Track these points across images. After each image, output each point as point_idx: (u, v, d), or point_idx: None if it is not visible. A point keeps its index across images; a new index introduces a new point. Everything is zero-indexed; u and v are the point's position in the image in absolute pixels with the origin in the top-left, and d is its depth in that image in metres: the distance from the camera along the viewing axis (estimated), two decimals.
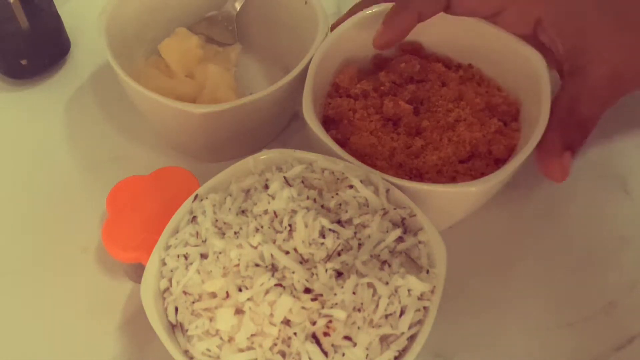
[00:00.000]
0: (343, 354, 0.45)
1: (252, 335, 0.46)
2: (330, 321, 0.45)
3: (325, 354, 0.45)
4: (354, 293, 0.46)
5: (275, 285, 0.46)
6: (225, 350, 0.46)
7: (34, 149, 0.67)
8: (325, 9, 0.63)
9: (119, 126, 0.68)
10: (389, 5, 0.61)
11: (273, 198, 0.50)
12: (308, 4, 0.64)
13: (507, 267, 0.60)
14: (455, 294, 0.52)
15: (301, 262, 0.47)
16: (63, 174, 0.65)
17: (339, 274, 0.47)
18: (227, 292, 0.47)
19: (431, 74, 0.63)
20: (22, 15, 0.66)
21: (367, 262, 0.48)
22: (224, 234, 0.49)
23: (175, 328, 0.49)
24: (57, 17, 0.70)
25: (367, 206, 0.51)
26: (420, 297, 0.48)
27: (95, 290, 0.58)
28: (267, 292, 0.46)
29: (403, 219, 0.51)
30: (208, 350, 0.46)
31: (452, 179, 0.57)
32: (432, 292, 0.48)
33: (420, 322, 0.47)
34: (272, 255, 0.47)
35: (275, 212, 0.49)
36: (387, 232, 0.49)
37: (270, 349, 0.45)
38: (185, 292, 0.48)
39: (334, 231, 0.48)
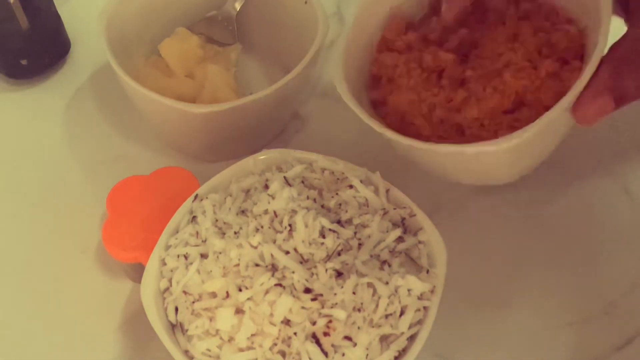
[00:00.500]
0: (343, 354, 0.45)
1: (252, 335, 0.46)
2: (330, 321, 0.45)
3: (325, 354, 0.45)
4: (354, 293, 0.46)
5: (275, 285, 0.46)
6: (225, 350, 0.46)
7: (34, 149, 0.67)
8: (325, 9, 0.63)
9: (119, 126, 0.68)
10: None
11: (273, 198, 0.50)
12: (308, 3, 0.64)
13: (507, 267, 0.60)
14: (455, 294, 0.52)
15: (301, 262, 0.47)
16: (63, 174, 0.65)
17: (339, 274, 0.47)
18: (227, 292, 0.47)
19: (490, 12, 0.56)
20: (22, 15, 0.66)
21: (367, 262, 0.48)
22: (224, 233, 0.49)
23: (175, 328, 0.49)
24: (57, 17, 0.70)
25: (367, 206, 0.51)
26: (420, 297, 0.48)
27: (95, 290, 0.58)
28: (267, 292, 0.46)
29: (403, 218, 0.51)
30: (208, 350, 0.47)
31: (495, 133, 0.51)
32: (432, 292, 0.48)
33: (420, 322, 0.47)
34: (272, 255, 0.47)
35: (275, 212, 0.49)
36: (387, 232, 0.50)
37: (270, 348, 0.46)
38: (185, 292, 0.48)
39: (334, 231, 0.48)
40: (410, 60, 0.56)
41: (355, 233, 0.49)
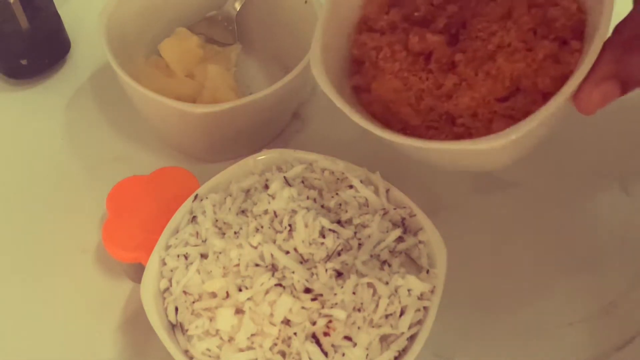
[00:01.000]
0: (343, 354, 0.45)
1: (252, 335, 0.46)
2: (330, 321, 0.45)
3: (325, 354, 0.45)
4: (354, 293, 0.46)
5: (276, 285, 0.46)
6: (225, 350, 0.46)
7: (34, 149, 0.67)
8: None
9: (119, 126, 0.68)
10: None
11: (273, 198, 0.50)
12: (308, 3, 0.64)
13: (507, 267, 0.60)
14: (455, 294, 0.52)
15: (301, 262, 0.47)
16: (63, 174, 0.65)
17: (339, 274, 0.47)
18: (227, 292, 0.47)
19: None
20: (22, 15, 0.66)
21: (367, 262, 0.48)
22: (224, 234, 0.49)
23: (175, 328, 0.49)
24: (57, 17, 0.70)
25: (367, 206, 0.51)
26: (420, 297, 0.48)
27: (95, 290, 0.58)
28: (267, 292, 0.46)
29: (403, 219, 0.51)
30: (208, 350, 0.47)
31: (489, 123, 0.47)
32: (432, 292, 0.48)
33: (420, 322, 0.47)
34: (272, 255, 0.47)
35: (275, 212, 0.49)
36: (387, 232, 0.50)
37: (270, 348, 0.46)
38: (185, 292, 0.48)
39: (334, 231, 0.48)
40: (395, 42, 0.50)
41: (355, 233, 0.49)
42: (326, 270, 0.47)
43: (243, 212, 0.50)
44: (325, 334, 0.45)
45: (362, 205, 0.51)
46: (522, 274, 0.60)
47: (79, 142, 0.67)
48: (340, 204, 0.51)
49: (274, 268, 0.47)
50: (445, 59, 0.49)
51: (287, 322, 0.46)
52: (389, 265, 0.48)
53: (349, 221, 0.50)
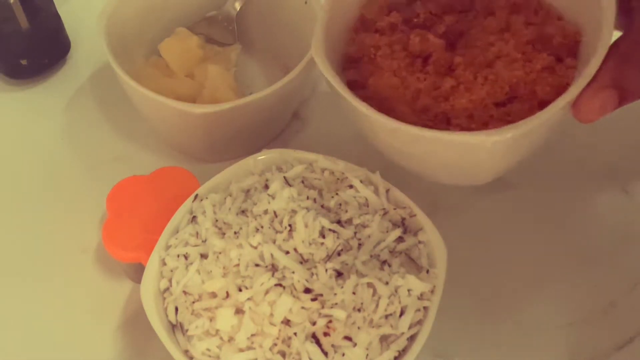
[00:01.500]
0: (343, 354, 0.45)
1: (252, 335, 0.46)
2: (330, 321, 0.45)
3: (325, 354, 0.45)
4: (354, 293, 0.46)
5: (275, 285, 0.46)
6: (225, 350, 0.46)
7: (34, 149, 0.67)
8: None
9: (119, 126, 0.68)
10: None
11: (273, 198, 0.50)
12: (308, 3, 0.64)
13: (507, 267, 0.60)
14: (455, 294, 0.52)
15: (301, 262, 0.47)
16: (63, 174, 0.65)
17: (339, 274, 0.47)
18: (227, 292, 0.47)
19: (477, 2, 0.53)
20: (22, 15, 0.66)
21: (367, 262, 0.48)
22: (224, 234, 0.49)
23: (175, 328, 0.49)
24: (57, 17, 0.70)
25: (367, 206, 0.51)
26: (420, 297, 0.48)
27: (95, 290, 0.58)
28: (267, 292, 0.46)
29: (403, 219, 0.51)
30: (208, 350, 0.47)
31: (485, 126, 0.48)
32: (432, 292, 0.48)
33: (420, 322, 0.47)
34: (272, 255, 0.47)
35: (275, 212, 0.49)
36: (387, 232, 0.50)
37: (270, 349, 0.46)
38: (185, 292, 0.48)
39: (334, 231, 0.48)
40: (394, 42, 0.52)
41: (355, 233, 0.49)
42: (326, 270, 0.47)
43: (243, 212, 0.50)
44: (325, 334, 0.45)
45: (362, 205, 0.51)
46: (522, 274, 0.60)
47: (79, 142, 0.67)
48: (340, 204, 0.51)
49: (274, 268, 0.47)
50: (443, 62, 0.51)
51: (287, 322, 0.46)
52: (389, 266, 0.48)
53: (349, 221, 0.50)
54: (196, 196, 0.52)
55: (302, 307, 0.45)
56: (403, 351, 0.47)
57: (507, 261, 0.60)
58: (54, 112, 0.69)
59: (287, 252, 0.48)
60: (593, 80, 0.45)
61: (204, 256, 0.49)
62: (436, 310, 0.48)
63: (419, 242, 0.50)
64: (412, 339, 0.47)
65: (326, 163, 0.53)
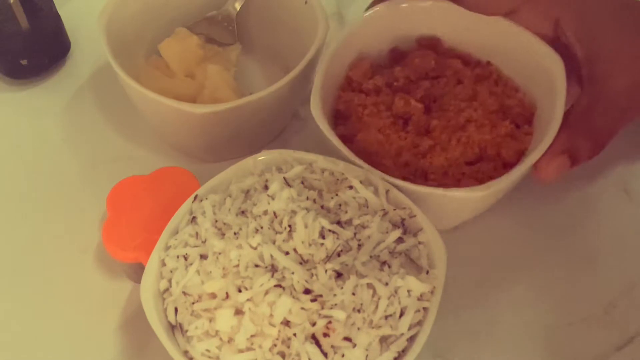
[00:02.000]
0: (343, 355, 0.45)
1: (251, 336, 0.46)
2: (329, 322, 0.45)
3: (325, 354, 0.45)
4: (353, 294, 0.46)
5: (275, 286, 0.46)
6: (225, 351, 0.46)
7: (34, 149, 0.67)
8: (325, 9, 0.63)
9: (119, 126, 0.68)
10: None
11: (273, 198, 0.50)
12: (308, 4, 0.64)
13: (506, 267, 0.60)
14: (455, 295, 0.52)
15: (301, 263, 0.47)
16: (63, 174, 0.65)
17: (338, 275, 0.47)
18: (226, 293, 0.47)
19: (447, 70, 0.61)
20: (22, 15, 0.66)
21: (367, 262, 0.48)
22: (223, 234, 0.49)
23: (174, 329, 0.49)
24: (57, 17, 0.70)
25: (367, 207, 0.51)
26: (420, 298, 0.48)
27: (95, 290, 0.58)
28: (266, 292, 0.46)
29: (403, 219, 0.51)
30: (208, 350, 0.46)
31: (458, 182, 0.56)
32: (432, 292, 0.48)
33: (420, 323, 0.47)
34: (271, 256, 0.47)
35: (275, 213, 0.49)
36: (387, 232, 0.50)
37: (270, 349, 0.46)
38: (184, 293, 0.48)
39: (333, 232, 0.48)
40: (380, 103, 0.60)
41: (355, 234, 0.49)
42: (326, 271, 0.47)
43: (243, 212, 0.50)
44: (325, 335, 0.45)
45: (362, 206, 0.51)
46: (521, 274, 0.60)
47: (79, 142, 0.67)
48: (340, 205, 0.51)
49: (273, 269, 0.47)
50: (422, 123, 0.59)
51: (286, 323, 0.46)
52: (389, 266, 0.48)
53: (349, 222, 0.50)
54: (196, 197, 0.52)
55: (302, 308, 0.45)
56: (403, 352, 0.47)
57: (507, 261, 0.60)
58: (54, 112, 0.69)
59: (287, 253, 0.48)
60: (549, 148, 0.54)
61: (203, 257, 0.49)
62: (436, 311, 0.48)
63: (419, 242, 0.50)
64: (411, 339, 0.47)
65: (326, 163, 0.53)
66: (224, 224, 0.50)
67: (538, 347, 0.56)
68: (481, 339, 0.56)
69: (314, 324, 0.45)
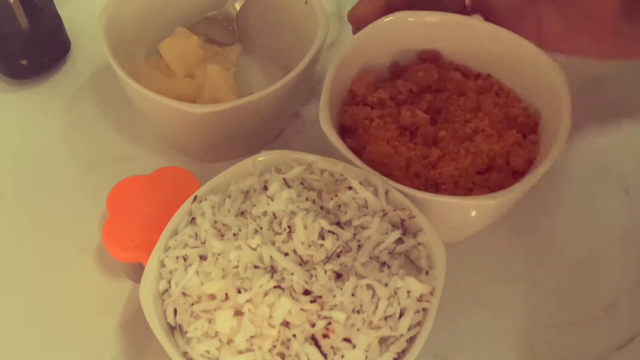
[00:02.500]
0: (342, 356, 0.45)
1: (251, 337, 0.46)
2: (329, 323, 0.45)
3: (325, 355, 0.45)
4: (353, 295, 0.46)
5: (275, 287, 0.46)
6: (224, 352, 0.46)
7: (34, 149, 0.67)
8: (325, 9, 0.63)
9: (119, 126, 0.68)
10: (408, 12, 0.62)
11: (272, 199, 0.50)
12: (308, 3, 0.64)
13: (506, 267, 0.60)
14: (454, 295, 0.52)
15: (300, 264, 0.47)
16: (63, 174, 0.65)
17: (338, 276, 0.47)
18: (226, 294, 0.47)
19: (449, 83, 0.62)
20: (22, 15, 0.66)
21: (367, 263, 0.48)
22: (223, 235, 0.49)
23: (174, 330, 0.49)
24: (57, 17, 0.70)
25: (367, 207, 0.51)
26: (420, 299, 0.48)
27: (95, 290, 0.58)
28: (266, 293, 0.46)
29: (402, 220, 0.51)
30: (207, 352, 0.46)
31: (469, 191, 0.56)
32: (432, 293, 0.48)
33: (419, 324, 0.47)
34: (271, 257, 0.47)
35: (274, 214, 0.49)
36: (387, 233, 0.49)
37: (270, 350, 0.45)
38: (184, 294, 0.48)
39: (333, 233, 0.48)
40: (386, 115, 0.60)
41: (354, 235, 0.49)
42: (325, 272, 0.46)
43: (242, 213, 0.50)
44: (325, 336, 0.45)
45: (362, 207, 0.51)
46: (521, 273, 0.60)
47: (79, 142, 0.67)
48: (339, 206, 0.51)
49: (273, 270, 0.47)
50: (429, 134, 0.59)
51: (286, 324, 0.46)
52: (389, 267, 0.48)
53: (348, 223, 0.50)
54: (195, 197, 0.52)
55: (301, 309, 0.45)
56: (402, 353, 0.47)
57: (507, 261, 0.60)
58: (54, 112, 0.69)
59: (286, 254, 0.48)
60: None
61: (203, 258, 0.49)
62: (436, 311, 0.48)
63: (419, 243, 0.50)
64: (411, 340, 0.47)
65: (325, 164, 0.53)
66: (224, 224, 0.50)
67: (538, 347, 0.56)
68: (481, 339, 0.56)
69: (313, 325, 0.45)
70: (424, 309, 0.48)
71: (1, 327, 0.57)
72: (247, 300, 0.46)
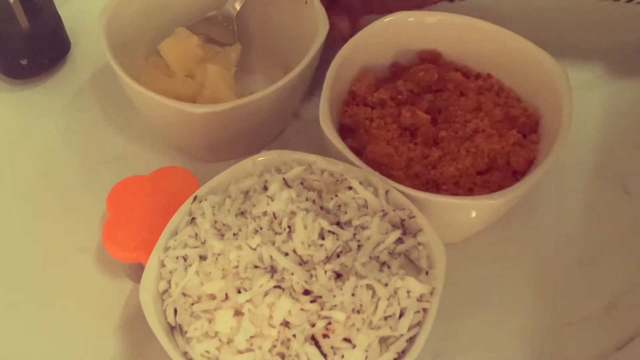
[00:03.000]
0: (342, 356, 0.45)
1: (251, 337, 0.46)
2: (329, 323, 0.45)
3: (325, 355, 0.45)
4: (353, 295, 0.46)
5: (275, 286, 0.46)
6: (225, 352, 0.46)
7: (34, 149, 0.67)
8: (325, 9, 0.63)
9: (119, 126, 0.68)
10: (408, 12, 0.62)
11: (272, 199, 0.50)
12: (308, 4, 0.64)
13: (506, 267, 0.60)
14: (454, 295, 0.52)
15: (300, 264, 0.47)
16: (63, 174, 0.65)
17: (338, 276, 0.47)
18: (226, 294, 0.47)
19: (449, 83, 0.62)
20: (22, 15, 0.66)
21: (367, 263, 0.48)
22: (223, 235, 0.49)
23: (174, 330, 0.48)
24: (57, 17, 0.70)
25: (367, 207, 0.51)
26: (420, 299, 0.48)
27: (95, 290, 0.58)
28: (266, 293, 0.46)
29: (402, 220, 0.51)
30: (207, 352, 0.46)
31: (470, 191, 0.57)
32: (432, 293, 0.48)
33: (419, 324, 0.47)
34: (271, 257, 0.47)
35: (274, 214, 0.49)
36: (387, 233, 0.49)
37: (270, 350, 0.46)
38: (184, 294, 0.48)
39: (333, 233, 0.48)
40: (386, 115, 0.60)
41: (354, 235, 0.49)
42: (325, 272, 0.47)
43: (242, 213, 0.50)
44: (325, 336, 0.45)
45: (362, 207, 0.51)
46: (521, 274, 0.60)
47: (79, 142, 0.67)
48: (339, 206, 0.51)
49: (273, 270, 0.47)
50: (430, 134, 0.59)
51: (286, 324, 0.46)
52: (388, 267, 0.48)
53: (348, 223, 0.50)
54: (195, 197, 0.52)
55: (301, 309, 0.45)
56: (402, 353, 0.47)
57: (507, 261, 0.60)
58: (54, 112, 0.69)
59: (286, 254, 0.48)
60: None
61: (203, 258, 0.49)
62: (435, 311, 0.48)
63: (418, 243, 0.50)
64: (411, 340, 0.47)
65: (325, 164, 0.53)
66: (224, 224, 0.50)
67: (538, 347, 0.56)
68: (481, 339, 0.56)
69: (313, 325, 0.45)
70: (424, 309, 0.48)
71: (1, 327, 0.57)
72: (247, 300, 0.46)
